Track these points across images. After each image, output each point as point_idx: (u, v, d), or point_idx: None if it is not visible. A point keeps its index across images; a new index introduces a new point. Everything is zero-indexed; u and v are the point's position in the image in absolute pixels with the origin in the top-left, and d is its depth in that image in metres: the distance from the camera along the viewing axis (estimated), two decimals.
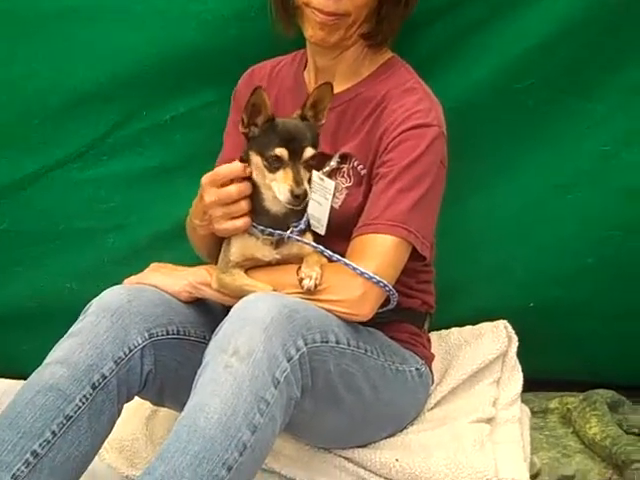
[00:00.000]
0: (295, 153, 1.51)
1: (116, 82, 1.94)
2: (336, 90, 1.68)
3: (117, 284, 1.65)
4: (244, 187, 1.57)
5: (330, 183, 1.68)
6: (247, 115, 1.55)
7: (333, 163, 1.71)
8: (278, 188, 1.51)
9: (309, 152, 1.52)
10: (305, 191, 1.49)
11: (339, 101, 1.71)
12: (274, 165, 1.52)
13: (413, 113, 1.64)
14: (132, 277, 1.70)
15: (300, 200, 1.50)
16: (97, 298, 1.59)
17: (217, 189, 1.58)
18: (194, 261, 1.79)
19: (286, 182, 1.50)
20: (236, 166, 1.56)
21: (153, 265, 1.72)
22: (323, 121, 1.59)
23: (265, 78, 1.83)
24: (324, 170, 1.70)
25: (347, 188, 1.70)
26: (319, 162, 1.65)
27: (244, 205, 1.58)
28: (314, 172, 1.63)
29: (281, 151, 1.51)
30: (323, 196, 1.68)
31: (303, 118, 1.57)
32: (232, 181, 1.58)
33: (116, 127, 1.97)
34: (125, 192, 2.01)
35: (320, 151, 1.62)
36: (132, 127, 1.97)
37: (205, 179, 1.60)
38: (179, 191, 1.92)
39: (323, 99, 1.57)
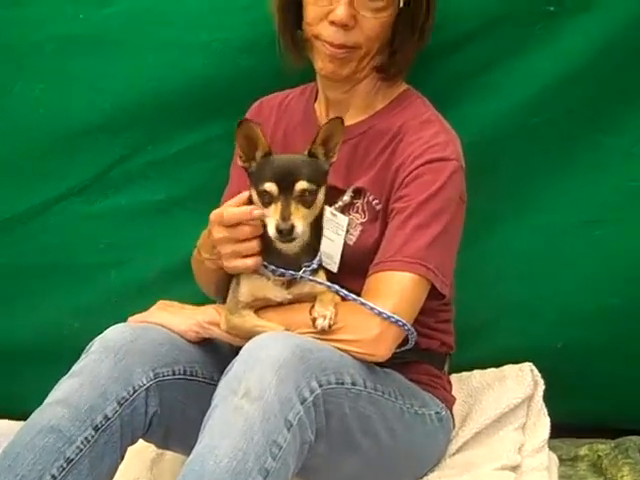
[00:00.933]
0: (286, 188, 1.52)
1: (121, 114, 1.97)
2: (349, 122, 1.72)
3: (121, 322, 1.67)
4: (255, 227, 1.58)
5: (343, 219, 1.71)
6: (241, 149, 1.58)
7: (346, 198, 1.72)
8: (269, 223, 1.53)
9: (301, 185, 1.52)
10: (292, 226, 1.50)
11: (352, 134, 1.73)
12: (265, 200, 1.54)
13: (430, 146, 1.66)
14: (137, 315, 1.71)
15: (286, 236, 1.51)
16: (100, 336, 1.61)
17: (225, 228, 1.59)
18: (202, 299, 1.80)
19: (274, 217, 1.52)
20: (242, 210, 1.58)
21: (159, 303, 1.74)
22: (334, 159, 1.60)
23: (274, 110, 1.86)
24: (337, 205, 1.72)
25: (361, 224, 1.71)
26: (332, 197, 1.68)
27: (255, 245, 1.59)
28: (326, 207, 1.65)
29: (270, 186, 1.53)
30: (335, 232, 1.70)
31: (311, 155, 1.57)
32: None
33: (121, 160, 2.01)
34: (130, 227, 2.03)
35: (332, 185, 1.65)
36: (137, 160, 2.00)
37: (213, 217, 1.61)
38: (186, 226, 1.94)
39: (333, 135, 1.57)
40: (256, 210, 1.56)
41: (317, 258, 1.63)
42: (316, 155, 1.59)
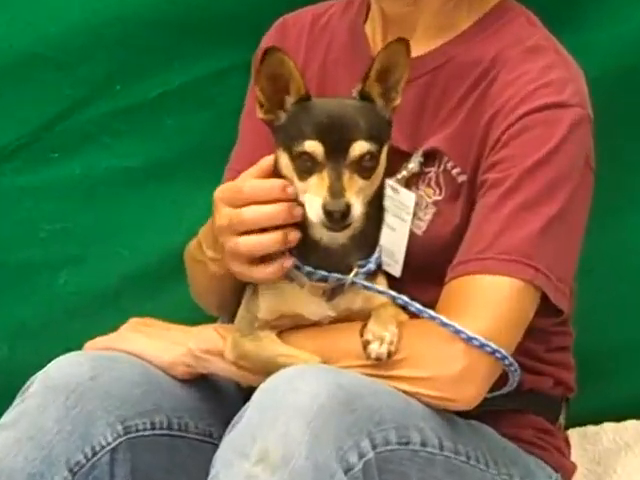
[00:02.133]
0: (337, 149, 1.48)
1: (75, 41, 1.97)
2: (417, 52, 1.68)
3: (74, 349, 1.66)
4: (286, 211, 1.51)
5: (409, 196, 1.68)
6: (263, 93, 1.55)
7: (413, 165, 1.70)
8: (310, 203, 1.49)
9: (360, 147, 1.48)
10: (347, 206, 1.46)
11: (421, 69, 1.71)
12: (304, 167, 1.50)
13: (541, 86, 1.63)
14: (98, 339, 1.71)
15: (338, 221, 1.46)
16: (43, 370, 1.60)
17: (237, 210, 1.55)
18: (196, 316, 1.80)
19: (319, 193, 1.47)
20: (272, 183, 1.54)
21: (132, 321, 1.73)
22: (397, 101, 1.56)
23: (305, 33, 1.85)
24: (399, 176, 1.70)
25: (435, 203, 1.69)
26: (391, 164, 1.63)
27: (279, 239, 1.53)
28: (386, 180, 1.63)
29: (313, 146, 1.48)
30: (398, 216, 1.68)
31: (364, 97, 1.54)
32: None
33: (73, 108, 2.00)
34: (86, 207, 2.03)
35: (391, 146, 1.60)
36: (98, 108, 2.00)
37: (221, 193, 1.58)
38: (170, 206, 1.95)
39: (396, 65, 1.53)
40: (290, 187, 1.52)
41: (376, 254, 1.60)
42: (370, 97, 1.55)
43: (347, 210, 1.46)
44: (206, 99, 1.98)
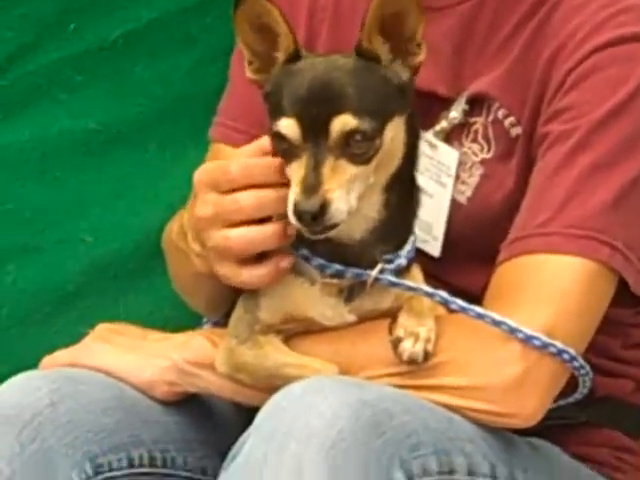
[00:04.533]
0: (315, 128, 1.48)
1: None
2: None
3: (27, 367, 1.66)
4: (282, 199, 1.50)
5: (450, 153, 1.70)
6: (248, 48, 1.55)
7: (455, 114, 1.71)
8: (289, 198, 1.49)
9: (342, 123, 1.47)
10: (322, 205, 1.45)
11: None
12: (283, 151, 1.50)
13: (617, 13, 1.62)
14: (58, 353, 1.70)
15: (312, 224, 1.46)
16: None
17: (227, 196, 1.54)
18: (181, 317, 1.84)
19: (294, 186, 1.48)
20: (268, 163, 1.53)
21: (100, 328, 1.73)
22: (421, 56, 1.53)
23: None
24: (437, 128, 1.71)
25: (483, 163, 1.70)
26: (429, 111, 1.66)
27: (277, 232, 1.53)
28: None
29: (288, 125, 1.48)
30: (437, 179, 1.70)
31: (362, 54, 1.52)
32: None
33: (17, 55, 2.03)
34: (37, 181, 2.03)
35: (429, 90, 1.64)
36: (48, 54, 2.03)
37: (202, 175, 1.56)
38: (143, 176, 1.96)
39: (404, 10, 1.49)
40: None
41: (408, 247, 1.59)
42: (371, 55, 1.52)
43: (322, 210, 1.45)
44: (184, 39, 2.00)
